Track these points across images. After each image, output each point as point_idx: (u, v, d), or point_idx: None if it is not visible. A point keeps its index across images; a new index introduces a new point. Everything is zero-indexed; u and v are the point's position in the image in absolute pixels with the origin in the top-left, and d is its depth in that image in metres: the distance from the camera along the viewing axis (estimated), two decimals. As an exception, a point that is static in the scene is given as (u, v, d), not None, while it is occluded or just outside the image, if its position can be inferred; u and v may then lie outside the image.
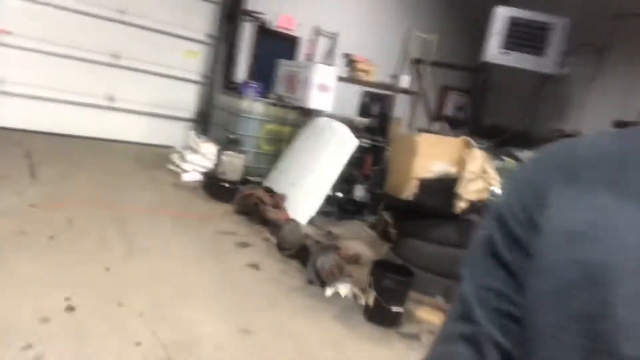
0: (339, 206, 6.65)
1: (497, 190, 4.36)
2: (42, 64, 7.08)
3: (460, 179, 4.26)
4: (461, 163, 4.39)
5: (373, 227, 6.52)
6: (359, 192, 6.72)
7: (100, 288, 3.47)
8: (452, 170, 4.41)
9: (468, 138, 4.47)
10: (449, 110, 11.20)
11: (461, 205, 4.26)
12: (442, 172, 4.39)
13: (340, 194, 6.63)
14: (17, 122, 6.90)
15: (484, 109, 10.59)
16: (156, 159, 7.28)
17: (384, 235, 6.22)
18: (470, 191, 4.22)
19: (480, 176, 4.27)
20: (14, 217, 4.22)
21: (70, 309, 3.15)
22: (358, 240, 5.75)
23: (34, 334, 2.83)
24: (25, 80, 6.95)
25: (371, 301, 3.89)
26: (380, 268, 3.99)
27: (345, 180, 6.64)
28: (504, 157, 7.47)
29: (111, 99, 7.70)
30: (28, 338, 2.77)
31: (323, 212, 6.29)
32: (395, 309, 3.84)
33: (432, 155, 4.37)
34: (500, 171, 4.62)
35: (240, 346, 3.20)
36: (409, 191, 4.43)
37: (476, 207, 4.48)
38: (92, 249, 4.05)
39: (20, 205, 4.51)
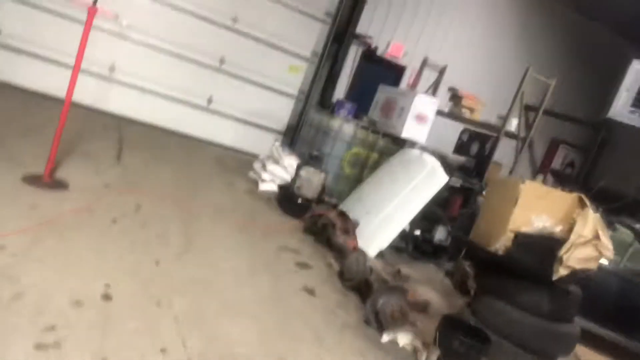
0: (414, 245, 6.08)
1: (607, 261, 3.61)
2: (153, 59, 7.40)
3: (565, 241, 3.58)
4: (569, 223, 3.70)
5: (450, 275, 5.85)
6: (440, 234, 6.12)
7: (144, 282, 3.28)
8: (556, 229, 3.73)
9: (583, 195, 3.78)
10: (556, 164, 10.18)
11: (562, 271, 3.57)
12: (544, 229, 3.73)
13: (418, 233, 6.07)
14: (120, 108, 7.23)
15: (597, 169, 9.47)
16: (238, 164, 7.24)
17: (461, 287, 5.53)
18: (575, 257, 3.53)
19: (590, 242, 3.56)
20: (86, 194, 4.23)
21: (107, 297, 2.97)
22: (430, 287, 5.14)
23: (62, 316, 2.66)
24: (135, 71, 7.29)
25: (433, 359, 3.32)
26: (450, 325, 3.41)
27: (427, 219, 6.08)
28: (618, 226, 6.46)
29: (209, 100, 7.87)
30: (55, 319, 2.60)
31: (396, 248, 5.79)
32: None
33: (536, 208, 3.73)
34: (611, 241, 3.85)
35: None
36: (501, 244, 3.81)
37: (578, 277, 3.75)
38: (150, 240, 3.92)
39: (96, 184, 4.54)
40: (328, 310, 3.90)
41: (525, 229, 3.79)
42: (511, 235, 3.81)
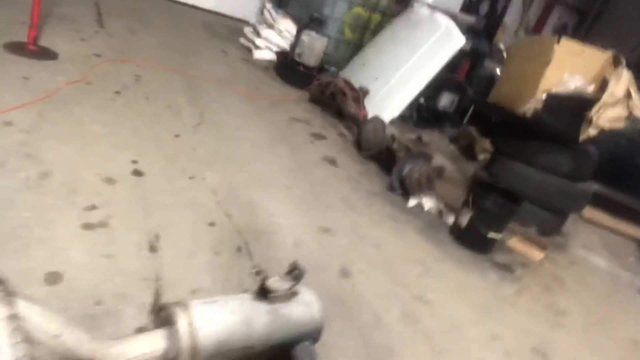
0: (418, 113, 5.97)
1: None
2: None
3: (597, 100, 3.49)
4: (601, 82, 3.59)
5: (455, 140, 5.88)
6: (445, 100, 5.99)
7: (170, 156, 3.08)
8: (588, 88, 3.62)
9: (618, 54, 3.62)
10: (548, 26, 9.86)
11: (590, 132, 3.54)
12: (575, 90, 3.62)
13: (422, 100, 5.91)
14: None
15: (592, 32, 9.24)
16: (227, 31, 6.66)
17: (467, 153, 5.60)
18: (606, 117, 3.48)
19: (621, 101, 3.49)
20: (78, 64, 3.80)
21: (137, 173, 2.78)
22: (438, 153, 5.15)
23: (98, 195, 2.49)
24: None
25: (464, 222, 3.39)
26: (482, 186, 3.43)
27: (431, 86, 5.89)
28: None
29: (184, -44, 6.95)
30: (92, 199, 2.43)
31: (399, 117, 5.66)
32: (491, 235, 3.34)
33: (569, 68, 3.57)
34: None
35: (321, 245, 2.80)
36: (529, 106, 3.71)
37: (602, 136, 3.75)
38: (161, 112, 3.63)
39: (85, 53, 4.07)
40: (351, 179, 3.85)
41: (556, 89, 3.67)
42: (541, 97, 3.71)
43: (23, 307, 1.28)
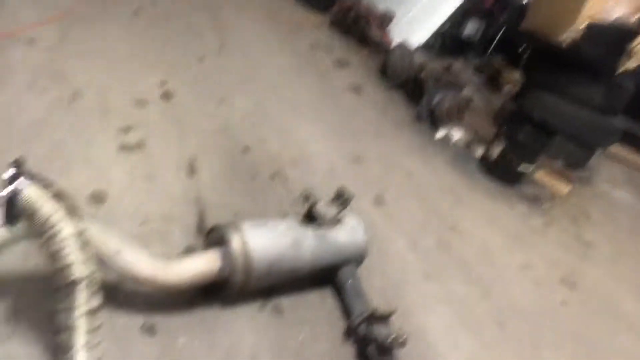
0: (442, 41, 5.73)
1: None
2: None
3: (638, 33, 3.30)
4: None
5: (479, 70, 5.69)
6: (470, 28, 5.72)
7: (197, 79, 2.99)
8: (631, 18, 3.41)
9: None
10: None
11: (630, 65, 3.38)
12: (617, 20, 3.42)
13: (446, 27, 5.65)
14: None
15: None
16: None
17: (492, 83, 5.43)
18: (648, 48, 3.30)
19: (667, 30, 3.30)
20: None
21: (166, 95, 2.71)
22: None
23: (131, 116, 2.43)
24: None
25: (495, 153, 3.34)
26: (515, 119, 3.34)
27: (457, 12, 5.61)
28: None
29: None
30: (127, 120, 2.38)
31: (423, 45, 5.45)
32: (523, 166, 3.30)
33: (614, -6, 3.35)
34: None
35: (354, 173, 2.78)
36: (568, 35, 3.52)
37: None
38: (182, 34, 3.49)
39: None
40: (378, 108, 3.76)
41: (598, 18, 3.47)
42: (582, 26, 3.51)
43: (87, 224, 1.27)
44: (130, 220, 1.87)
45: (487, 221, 2.89)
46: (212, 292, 1.68)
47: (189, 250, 1.84)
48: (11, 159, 1.88)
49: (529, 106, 3.84)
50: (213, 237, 1.71)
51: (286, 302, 1.82)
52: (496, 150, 3.32)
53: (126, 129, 2.31)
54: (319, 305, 1.87)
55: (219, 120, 2.69)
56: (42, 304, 1.48)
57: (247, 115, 2.84)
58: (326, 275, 1.92)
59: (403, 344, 1.57)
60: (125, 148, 2.21)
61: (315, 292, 1.91)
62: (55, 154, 2.02)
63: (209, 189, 2.20)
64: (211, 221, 2.01)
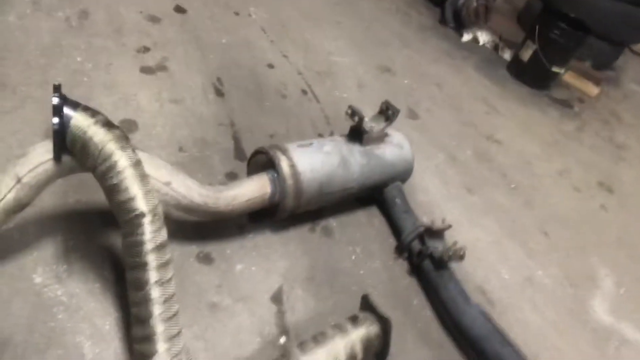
0: None
1: None
2: None
3: None
4: None
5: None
6: None
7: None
8: None
9: None
10: None
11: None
12: None
13: None
14: None
15: None
16: None
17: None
18: None
19: None
20: None
21: (179, 9, 2.51)
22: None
23: (147, 35, 2.26)
24: None
25: (526, 56, 3.16)
26: (547, 17, 3.12)
27: None
28: None
29: None
30: (143, 39, 2.21)
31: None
32: (555, 68, 3.13)
33: None
34: None
35: (384, 86, 2.64)
36: None
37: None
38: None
39: None
40: (400, 12, 3.51)
41: None
42: None
43: (139, 154, 1.17)
44: (167, 149, 1.78)
45: (521, 129, 2.79)
46: (262, 218, 1.63)
47: (230, 177, 1.77)
48: (33, 91, 1.77)
49: (560, 3, 3.58)
50: (257, 161, 1.63)
51: (335, 223, 1.78)
52: (526, 53, 3.13)
53: (144, 50, 2.15)
54: (367, 224, 1.83)
55: (238, 36, 2.50)
56: (92, 241, 1.44)
57: (266, 28, 2.64)
58: (373, 194, 1.87)
59: (462, 257, 1.54)
60: (146, 71, 2.06)
61: (362, 211, 1.87)
62: (75, 82, 1.88)
63: (240, 110, 2.08)
64: (247, 144, 1.92)
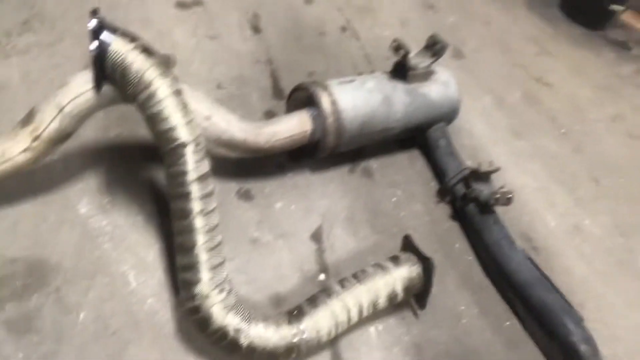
0: None
1: None
2: None
3: None
4: None
5: None
6: None
7: None
8: None
9: None
10: None
11: None
12: None
13: None
14: None
15: None
16: None
17: None
18: None
19: None
20: None
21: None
22: None
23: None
24: None
25: (582, -8, 2.92)
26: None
27: None
28: None
29: None
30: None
31: None
32: (613, 6, 2.89)
33: None
34: None
35: (428, 23, 2.50)
36: None
37: None
38: None
39: None
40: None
41: None
42: None
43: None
44: (205, 85, 1.75)
45: (573, 71, 2.62)
46: (301, 157, 1.60)
47: (269, 115, 1.73)
48: (72, 25, 1.75)
49: None
50: (297, 98, 1.58)
51: (375, 164, 1.74)
52: (583, -12, 2.89)
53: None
54: (408, 166, 1.78)
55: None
56: (134, 175, 1.45)
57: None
58: (416, 136, 1.80)
59: (509, 201, 1.48)
60: (182, 6, 2.00)
61: (404, 153, 1.81)
62: (111, 17, 1.82)
63: (277, 47, 2.01)
64: (285, 83, 1.87)
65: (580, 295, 1.55)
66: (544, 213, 1.79)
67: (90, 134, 1.49)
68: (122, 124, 1.53)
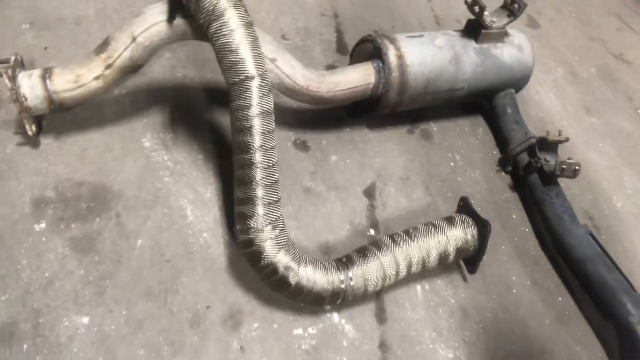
0: None
1: None
2: None
3: None
4: None
5: None
6: None
7: None
8: None
9: None
10: None
11: None
12: None
13: None
14: None
15: None
16: None
17: None
18: None
19: None
20: None
21: None
22: None
23: None
24: None
25: (679, -34, 2.68)
26: None
27: None
28: None
29: None
30: None
31: None
32: None
33: None
34: None
35: None
36: None
37: None
38: None
39: None
40: None
41: None
42: None
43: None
44: (270, 34, 1.73)
45: (658, 51, 2.43)
46: (361, 113, 1.58)
47: (331, 68, 1.71)
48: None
49: None
50: (362, 51, 1.55)
51: (435, 127, 1.69)
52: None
53: None
54: (470, 133, 1.72)
55: None
56: (198, 115, 1.47)
57: None
58: (481, 101, 1.73)
59: (576, 173, 1.40)
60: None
61: (466, 119, 1.75)
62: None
63: (345, 1, 1.97)
64: (349, 38, 1.83)
65: (643, 280, 1.47)
66: (611, 193, 1.70)
67: (158, 73, 1.52)
68: (188, 66, 1.56)
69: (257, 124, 1.03)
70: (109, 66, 1.18)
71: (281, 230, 1.07)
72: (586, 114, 1.96)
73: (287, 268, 1.06)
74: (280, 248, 1.05)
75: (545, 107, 1.91)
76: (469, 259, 1.31)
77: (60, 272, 1.11)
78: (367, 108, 1.55)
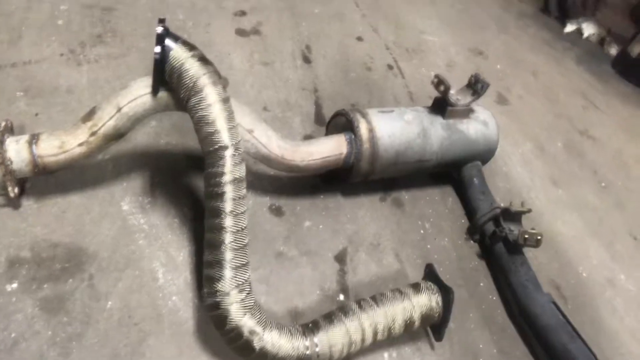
0: None
1: None
2: None
3: None
4: None
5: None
6: None
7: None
8: None
9: None
10: None
11: None
12: None
13: None
14: None
15: None
16: None
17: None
18: None
19: None
20: None
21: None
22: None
23: (245, 0, 2.33)
24: None
25: (636, 51, 2.90)
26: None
27: None
28: None
29: None
30: (241, 4, 2.29)
31: None
32: (670, 68, 2.86)
33: None
34: None
35: (474, 68, 2.54)
36: None
37: None
38: None
39: None
40: (501, -1, 3.36)
41: None
42: None
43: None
44: (252, 106, 1.83)
45: (621, 128, 2.58)
46: (335, 181, 1.65)
47: (308, 139, 1.80)
48: (139, 41, 1.91)
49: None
50: (337, 123, 1.65)
51: (406, 196, 1.76)
52: (636, 48, 2.88)
53: (241, 14, 2.23)
54: (439, 202, 1.79)
55: (331, 7, 2.52)
56: (177, 180, 1.54)
57: (359, 2, 2.64)
58: (450, 171, 1.82)
59: (539, 243, 1.46)
60: (241, 33, 2.14)
61: (436, 189, 1.83)
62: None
63: (324, 78, 2.11)
64: (327, 111, 1.95)
65: (609, 351, 1.49)
66: (577, 263, 1.75)
67: (142, 139, 1.60)
68: (172, 134, 1.64)
69: (229, 190, 1.09)
70: (93, 133, 1.25)
71: (248, 293, 1.10)
72: (553, 186, 2.05)
73: (251, 332, 1.08)
74: (245, 312, 1.08)
75: (514, 179, 2.00)
76: (435, 326, 1.34)
77: (27, 333, 1.12)
78: (341, 176, 1.63)
